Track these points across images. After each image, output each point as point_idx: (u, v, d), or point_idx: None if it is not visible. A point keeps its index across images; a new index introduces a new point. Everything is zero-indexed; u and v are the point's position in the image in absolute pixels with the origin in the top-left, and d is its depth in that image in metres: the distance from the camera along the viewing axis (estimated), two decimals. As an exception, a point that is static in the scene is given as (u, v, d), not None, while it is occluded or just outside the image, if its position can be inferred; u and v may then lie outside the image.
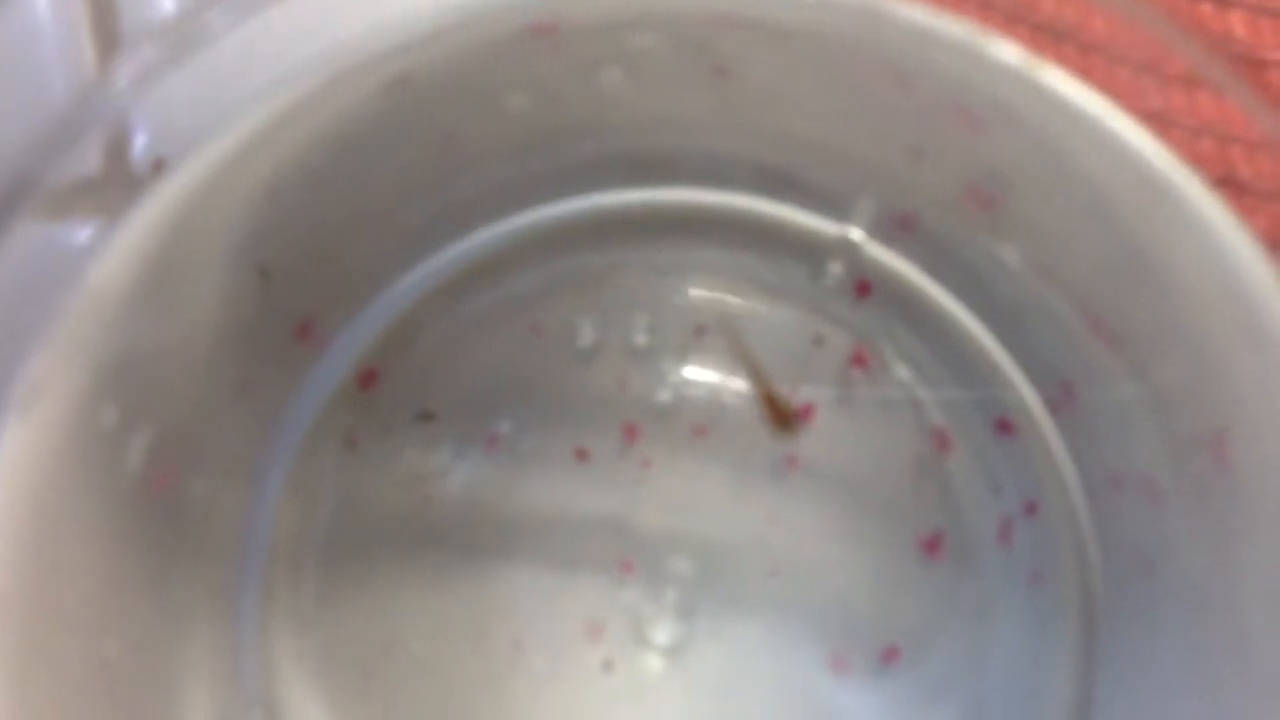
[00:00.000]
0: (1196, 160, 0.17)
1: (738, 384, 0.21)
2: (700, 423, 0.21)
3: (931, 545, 0.20)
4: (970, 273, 0.20)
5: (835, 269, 0.21)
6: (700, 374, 0.21)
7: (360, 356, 0.21)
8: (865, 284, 0.21)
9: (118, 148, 0.17)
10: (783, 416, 0.20)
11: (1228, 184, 0.19)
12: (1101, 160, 0.16)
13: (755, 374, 0.20)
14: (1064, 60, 0.16)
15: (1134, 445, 0.19)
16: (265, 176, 0.17)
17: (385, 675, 0.20)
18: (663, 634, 0.20)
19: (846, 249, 0.21)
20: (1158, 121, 0.17)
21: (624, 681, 0.20)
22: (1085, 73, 0.17)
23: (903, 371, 0.21)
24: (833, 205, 0.20)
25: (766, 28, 0.17)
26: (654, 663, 0.20)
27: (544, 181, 0.21)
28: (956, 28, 0.15)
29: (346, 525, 0.21)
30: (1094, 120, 0.16)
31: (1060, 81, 0.16)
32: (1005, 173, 0.18)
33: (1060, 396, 0.20)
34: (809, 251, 0.21)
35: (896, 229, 0.20)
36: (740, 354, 0.20)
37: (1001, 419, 0.20)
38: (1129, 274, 0.17)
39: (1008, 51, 0.15)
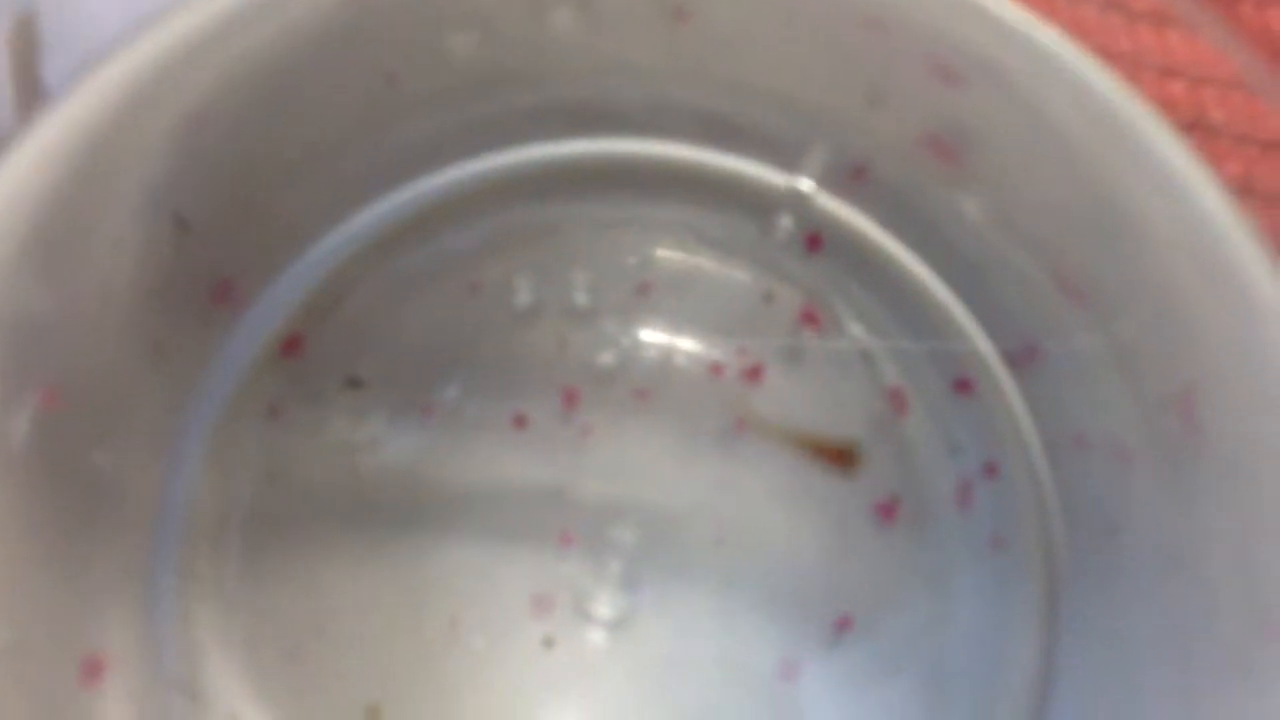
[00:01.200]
0: (1166, 103, 0.16)
1: (684, 344, 0.20)
2: (644, 386, 0.20)
3: (887, 510, 0.19)
4: (927, 225, 0.19)
5: (785, 222, 0.20)
6: (644, 335, 0.20)
7: (284, 319, 0.20)
8: (816, 237, 0.20)
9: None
10: (842, 457, 0.19)
11: (1199, 128, 0.18)
12: (1076, 113, 0.15)
13: (800, 440, 0.19)
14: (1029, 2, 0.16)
15: (1100, 404, 0.18)
16: (185, 108, 0.16)
17: (314, 655, 0.19)
18: (606, 608, 0.19)
19: (796, 201, 0.20)
20: (1127, 63, 0.16)
21: (566, 659, 0.19)
22: (1050, 14, 0.16)
23: (856, 329, 0.20)
24: (782, 155, 0.19)
25: None
26: (597, 638, 0.19)
27: (483, 131, 0.20)
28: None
29: (271, 499, 0.20)
30: (1073, 72, 0.15)
31: (1046, 35, 0.15)
32: (972, 124, 0.17)
33: (1022, 354, 0.19)
34: (757, 204, 0.20)
35: (848, 179, 0.19)
36: (775, 431, 0.19)
37: (960, 378, 0.19)
38: (1098, 228, 0.16)
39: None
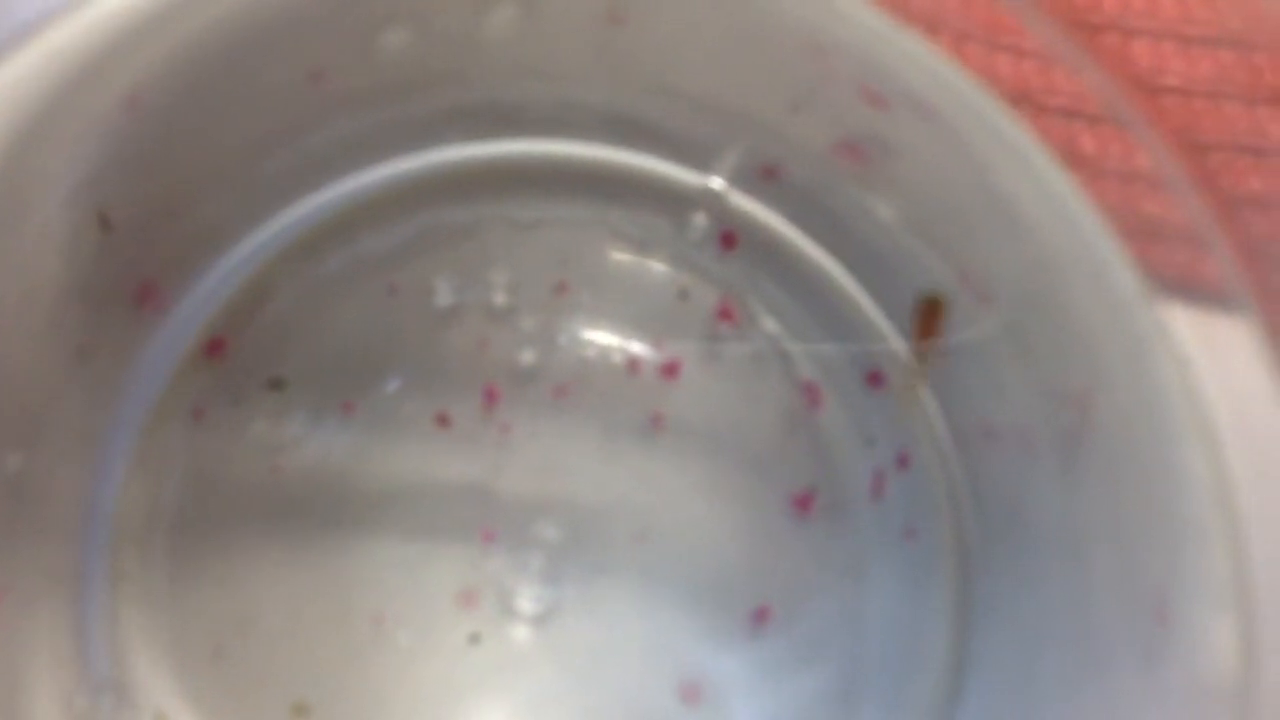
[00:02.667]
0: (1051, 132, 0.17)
1: (602, 342, 0.20)
2: (563, 383, 0.20)
3: (803, 501, 0.20)
4: (839, 224, 0.19)
5: (700, 221, 0.20)
6: (563, 333, 0.20)
7: (206, 322, 0.20)
8: (730, 235, 0.20)
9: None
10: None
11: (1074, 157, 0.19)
12: (987, 142, 0.16)
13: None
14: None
15: (1006, 397, 0.18)
16: (113, 98, 0.16)
17: (241, 654, 0.19)
18: (530, 603, 0.20)
19: (710, 200, 0.20)
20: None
21: (492, 654, 0.20)
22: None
23: (771, 324, 0.20)
24: (696, 155, 0.20)
25: None
26: (522, 633, 0.20)
27: (403, 132, 0.20)
28: (876, 17, 0.16)
29: (196, 500, 0.20)
30: (988, 113, 0.16)
31: (967, 80, 0.16)
32: (889, 138, 0.18)
33: (932, 350, 0.19)
34: (673, 203, 0.20)
35: (760, 179, 0.20)
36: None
37: (872, 371, 0.20)
38: (1001, 237, 0.16)
39: (915, 43, 0.16)
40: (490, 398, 0.20)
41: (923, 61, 0.16)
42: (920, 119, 0.16)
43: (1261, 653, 0.14)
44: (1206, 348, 0.15)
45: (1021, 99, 0.16)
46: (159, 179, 0.18)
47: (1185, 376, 0.15)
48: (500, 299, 0.21)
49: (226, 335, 0.20)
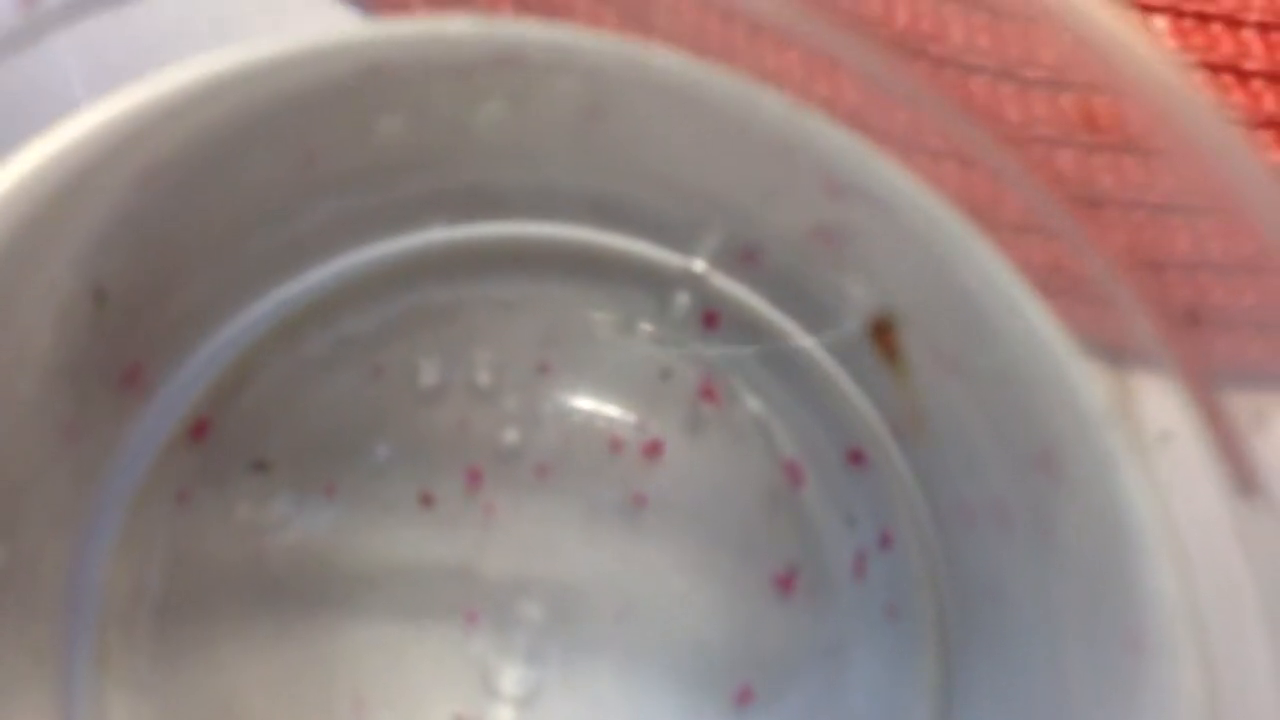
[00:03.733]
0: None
1: (584, 421, 0.21)
2: (545, 463, 0.20)
3: (786, 581, 0.20)
4: (816, 304, 0.20)
5: (682, 300, 0.20)
6: (545, 412, 0.21)
7: (191, 405, 0.20)
8: (712, 315, 0.20)
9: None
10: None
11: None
12: (931, 231, 0.17)
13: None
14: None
15: (980, 471, 0.19)
16: (123, 181, 0.17)
17: (224, 737, 0.19)
18: (513, 684, 0.20)
19: (692, 281, 0.20)
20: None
21: (474, 734, 0.20)
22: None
23: (753, 403, 0.21)
24: (677, 237, 0.20)
25: (669, 93, 0.18)
26: (504, 714, 0.20)
27: (387, 214, 0.21)
28: (839, 133, 0.17)
29: (181, 582, 0.20)
30: (926, 209, 0.17)
31: (896, 173, 0.17)
32: (851, 223, 0.18)
33: (911, 427, 0.20)
34: (654, 284, 0.20)
35: (740, 261, 0.20)
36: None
37: (853, 449, 0.20)
38: (956, 315, 0.17)
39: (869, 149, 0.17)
40: (474, 478, 0.20)
41: (875, 165, 0.17)
42: (878, 213, 0.17)
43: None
44: (1140, 406, 0.15)
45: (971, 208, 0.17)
46: (155, 256, 0.19)
47: (1129, 438, 0.16)
48: (484, 378, 0.21)
49: (211, 417, 0.20)
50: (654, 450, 0.21)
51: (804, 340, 0.20)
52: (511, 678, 0.20)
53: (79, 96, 0.16)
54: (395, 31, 0.18)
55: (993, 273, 0.16)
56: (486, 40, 0.17)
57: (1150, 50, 0.13)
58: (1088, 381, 0.16)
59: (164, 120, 0.17)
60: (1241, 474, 0.14)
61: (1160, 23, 0.25)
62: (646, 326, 0.21)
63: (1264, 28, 0.24)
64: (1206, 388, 0.15)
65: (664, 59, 0.17)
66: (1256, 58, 0.24)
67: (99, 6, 0.14)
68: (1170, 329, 0.15)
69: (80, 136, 0.16)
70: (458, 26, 0.17)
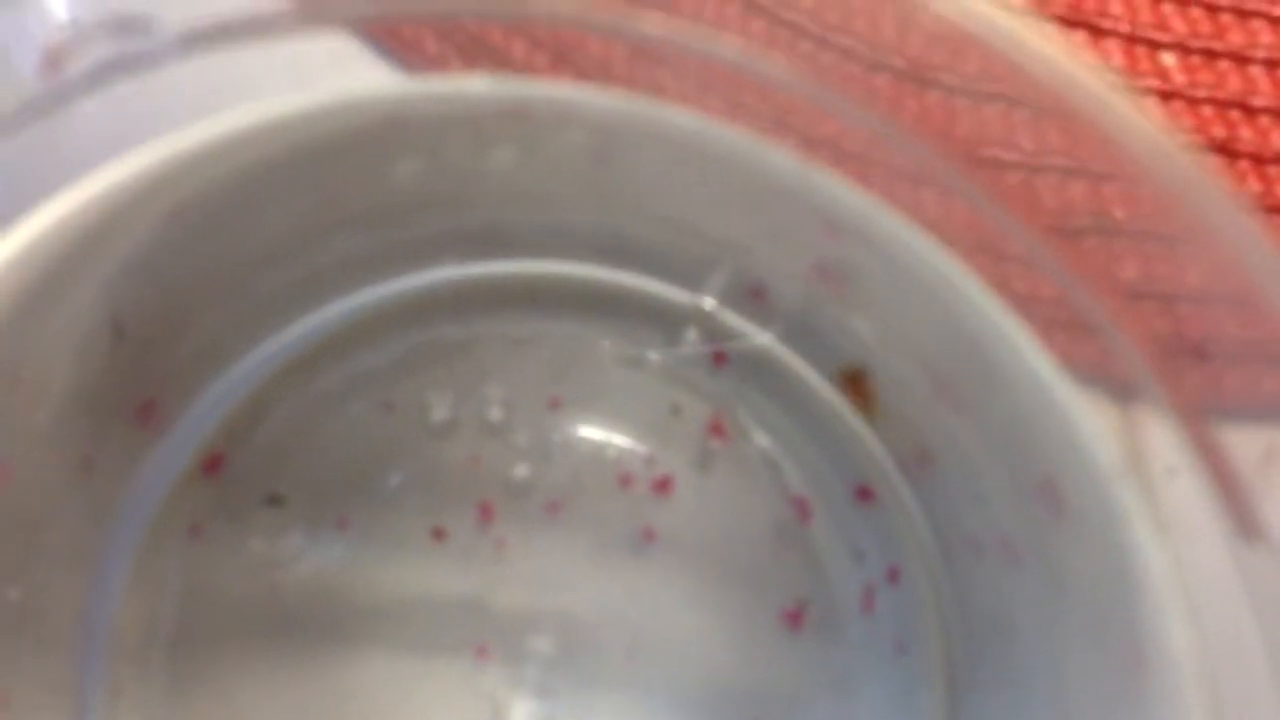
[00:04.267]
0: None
1: (594, 456, 0.21)
2: (556, 498, 0.21)
3: (794, 616, 0.20)
4: (823, 342, 0.20)
5: (691, 337, 0.21)
6: (556, 448, 0.21)
7: (205, 439, 0.20)
8: (721, 353, 0.21)
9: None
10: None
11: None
12: (923, 269, 0.18)
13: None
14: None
15: (988, 507, 0.19)
16: (150, 222, 0.17)
17: (236, 771, 0.20)
18: (523, 718, 0.20)
19: (701, 318, 0.20)
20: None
21: (485, 768, 0.20)
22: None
23: (762, 439, 0.21)
24: (685, 275, 0.20)
25: (673, 144, 0.18)
26: (515, 747, 0.20)
27: (401, 252, 0.21)
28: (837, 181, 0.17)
29: (194, 616, 0.20)
30: (918, 253, 0.17)
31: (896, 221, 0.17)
32: (851, 262, 0.18)
33: (917, 462, 0.20)
34: (664, 321, 0.21)
35: (748, 299, 0.20)
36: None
37: (861, 486, 0.20)
38: (956, 351, 0.17)
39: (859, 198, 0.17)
40: (485, 512, 0.21)
41: (872, 209, 0.17)
42: (877, 256, 0.18)
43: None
44: (1146, 442, 0.16)
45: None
46: (172, 294, 0.19)
47: (1135, 476, 0.16)
48: (495, 414, 0.21)
49: (225, 451, 0.21)
50: (664, 486, 0.21)
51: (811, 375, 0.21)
52: (522, 712, 0.20)
53: (106, 152, 0.16)
54: (413, 89, 0.18)
55: (989, 313, 0.16)
56: (499, 98, 0.18)
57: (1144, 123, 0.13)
58: (1089, 419, 0.16)
59: (188, 169, 0.17)
60: (1243, 517, 0.14)
61: (1169, 59, 0.25)
62: (656, 363, 0.21)
63: (1271, 64, 0.24)
64: (1203, 425, 0.15)
65: (669, 114, 0.18)
66: (1264, 94, 0.24)
67: (124, 74, 0.14)
68: (1163, 364, 0.15)
69: (108, 185, 0.17)
70: (474, 86, 0.18)
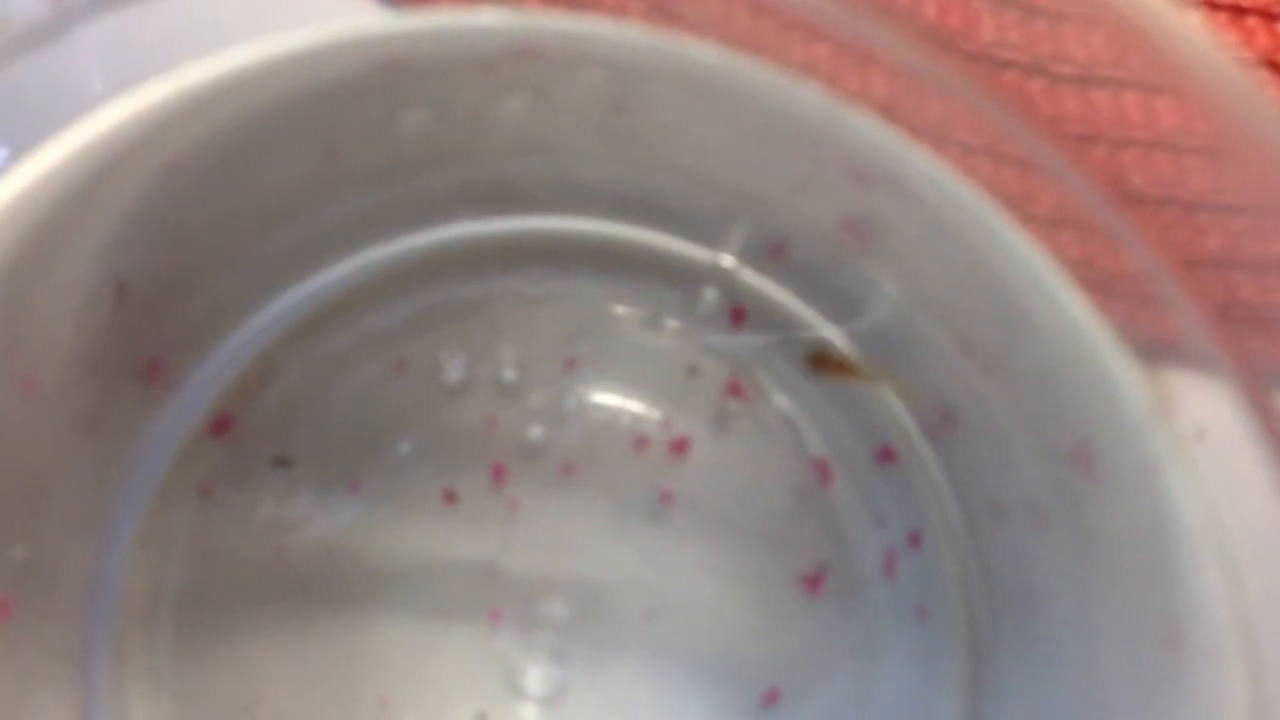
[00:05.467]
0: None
1: (610, 418, 0.20)
2: (571, 460, 0.20)
3: (814, 581, 0.20)
4: (846, 299, 0.19)
5: (709, 296, 0.20)
6: (571, 409, 0.20)
7: (213, 400, 0.20)
8: (740, 311, 0.20)
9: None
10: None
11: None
12: (963, 221, 0.17)
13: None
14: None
15: (1013, 468, 0.18)
16: (147, 175, 0.17)
17: (246, 736, 0.19)
18: (538, 683, 0.20)
19: (719, 276, 0.20)
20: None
21: (499, 734, 0.19)
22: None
23: (781, 400, 0.20)
24: (704, 232, 0.20)
25: (695, 85, 0.17)
26: (529, 713, 0.20)
27: (411, 209, 0.20)
28: (873, 122, 0.17)
29: (203, 579, 0.20)
30: (958, 198, 0.17)
31: (938, 167, 0.17)
32: (881, 214, 0.18)
33: (940, 423, 0.19)
34: (681, 279, 0.20)
35: (768, 256, 0.20)
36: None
37: (883, 447, 0.20)
38: (989, 308, 0.17)
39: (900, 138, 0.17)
40: (498, 474, 0.20)
41: (909, 154, 0.16)
42: (908, 202, 0.17)
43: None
44: (1176, 403, 0.15)
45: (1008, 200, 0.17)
46: (176, 251, 0.19)
47: (1175, 439, 0.15)
48: (509, 375, 0.21)
49: (234, 413, 0.20)
50: (680, 447, 0.20)
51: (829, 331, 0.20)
52: (536, 677, 0.20)
53: (101, 92, 0.16)
54: (418, 25, 0.18)
55: (1032, 266, 0.16)
56: (509, 33, 0.17)
57: (1206, 44, 0.12)
58: (1129, 377, 0.15)
59: (186, 115, 0.17)
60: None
61: (1194, 17, 0.24)
62: (673, 322, 0.21)
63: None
64: (1258, 385, 0.14)
65: (690, 49, 0.17)
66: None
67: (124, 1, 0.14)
68: (1220, 325, 0.15)
69: (103, 131, 0.16)
70: (482, 19, 0.17)
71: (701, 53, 0.17)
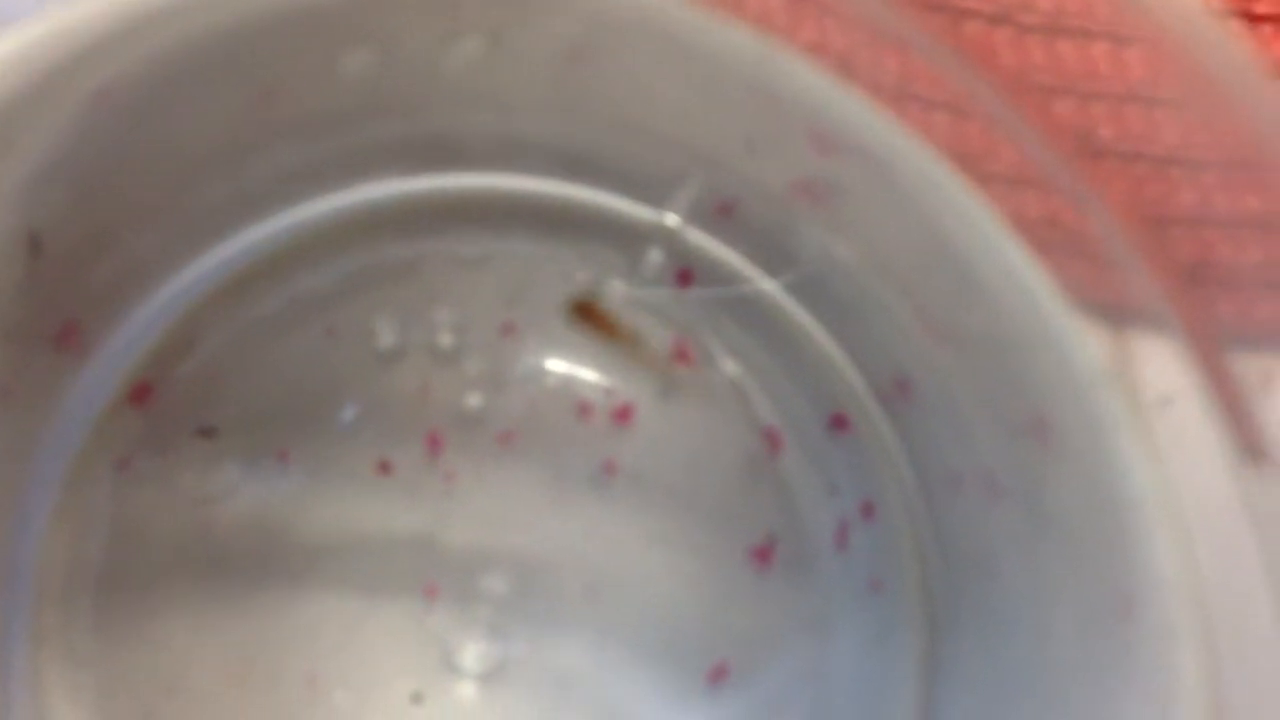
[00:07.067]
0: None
1: (551, 385, 0.19)
2: (510, 429, 0.19)
3: (763, 553, 0.19)
4: (798, 263, 0.19)
5: (654, 257, 0.19)
6: (510, 376, 0.19)
7: (133, 366, 0.19)
8: (686, 273, 0.19)
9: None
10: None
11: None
12: (926, 190, 0.17)
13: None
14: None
15: (968, 439, 0.18)
16: (61, 113, 0.16)
17: (168, 716, 0.19)
18: (475, 660, 0.19)
19: (664, 236, 0.19)
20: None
21: (435, 714, 0.19)
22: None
23: (729, 365, 0.19)
24: (650, 191, 0.19)
25: (659, 36, 0.17)
26: (467, 692, 0.19)
27: (344, 163, 0.20)
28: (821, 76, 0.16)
29: (123, 554, 0.19)
30: (921, 166, 0.16)
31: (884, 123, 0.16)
32: (840, 180, 0.17)
33: (895, 391, 0.19)
34: (625, 239, 0.19)
35: (716, 215, 0.19)
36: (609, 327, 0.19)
37: (836, 414, 0.19)
38: (946, 277, 0.16)
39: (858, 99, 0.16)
40: (434, 444, 0.19)
41: (865, 117, 0.16)
42: (867, 167, 0.16)
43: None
44: (1139, 368, 0.15)
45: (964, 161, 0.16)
46: (96, 202, 0.18)
47: (1128, 402, 0.15)
48: (445, 340, 0.20)
49: (154, 380, 0.19)
50: (624, 416, 0.20)
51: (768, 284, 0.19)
52: (474, 654, 0.19)
53: (23, 7, 0.15)
54: None
55: (985, 230, 0.15)
56: None
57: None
58: (1084, 343, 0.15)
59: (114, 39, 0.16)
60: (1248, 439, 0.13)
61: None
62: (617, 284, 0.20)
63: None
64: (1213, 349, 0.14)
65: (668, 5, 0.16)
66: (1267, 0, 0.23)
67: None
68: (1175, 286, 0.14)
69: (21, 50, 0.15)
70: None
71: (680, 10, 0.16)
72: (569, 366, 0.20)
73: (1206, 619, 0.14)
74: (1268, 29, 0.22)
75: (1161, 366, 0.15)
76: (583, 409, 0.20)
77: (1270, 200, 0.13)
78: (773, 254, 0.19)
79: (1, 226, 0.17)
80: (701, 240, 0.19)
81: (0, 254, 0.17)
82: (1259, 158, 0.12)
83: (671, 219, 0.19)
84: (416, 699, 0.19)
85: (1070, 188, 0.15)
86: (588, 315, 0.18)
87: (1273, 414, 0.14)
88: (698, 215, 0.19)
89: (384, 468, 0.19)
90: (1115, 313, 0.16)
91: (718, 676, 0.19)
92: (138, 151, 0.18)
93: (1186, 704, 0.14)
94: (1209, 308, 0.14)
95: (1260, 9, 0.22)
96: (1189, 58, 0.13)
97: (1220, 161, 0.16)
